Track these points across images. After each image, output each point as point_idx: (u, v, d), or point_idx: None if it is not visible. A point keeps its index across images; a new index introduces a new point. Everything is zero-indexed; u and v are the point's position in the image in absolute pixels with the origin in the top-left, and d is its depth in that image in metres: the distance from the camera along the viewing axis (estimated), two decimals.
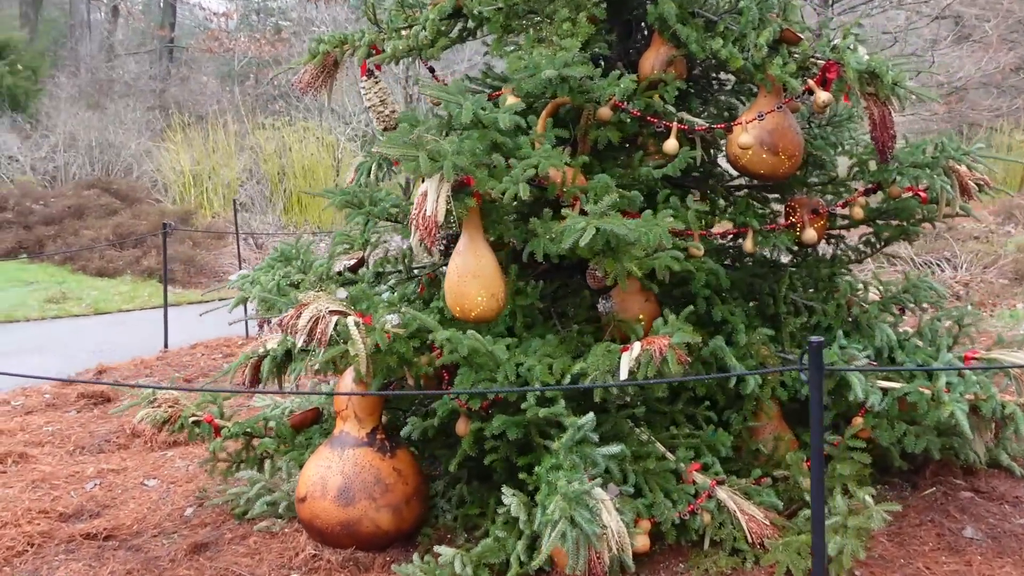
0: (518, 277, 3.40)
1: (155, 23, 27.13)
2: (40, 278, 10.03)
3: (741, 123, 3.38)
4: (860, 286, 4.04)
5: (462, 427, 3.22)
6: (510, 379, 2.97)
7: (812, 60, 3.33)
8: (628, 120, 3.42)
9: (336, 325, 2.94)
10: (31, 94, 20.85)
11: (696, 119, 3.59)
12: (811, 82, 3.28)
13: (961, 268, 8.68)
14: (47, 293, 9.10)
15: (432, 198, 2.76)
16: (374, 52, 3.47)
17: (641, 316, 3.51)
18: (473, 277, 3.00)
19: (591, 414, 2.88)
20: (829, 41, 3.17)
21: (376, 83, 3.52)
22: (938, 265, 8.79)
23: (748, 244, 3.59)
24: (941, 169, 3.69)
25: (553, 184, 3.16)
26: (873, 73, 3.11)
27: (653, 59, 3.64)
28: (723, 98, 4.02)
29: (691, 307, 3.29)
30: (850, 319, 3.76)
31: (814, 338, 2.56)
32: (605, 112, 3.38)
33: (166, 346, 7.34)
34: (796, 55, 3.34)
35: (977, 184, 3.93)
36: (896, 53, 16.97)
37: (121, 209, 12.35)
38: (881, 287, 4.52)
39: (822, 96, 3.26)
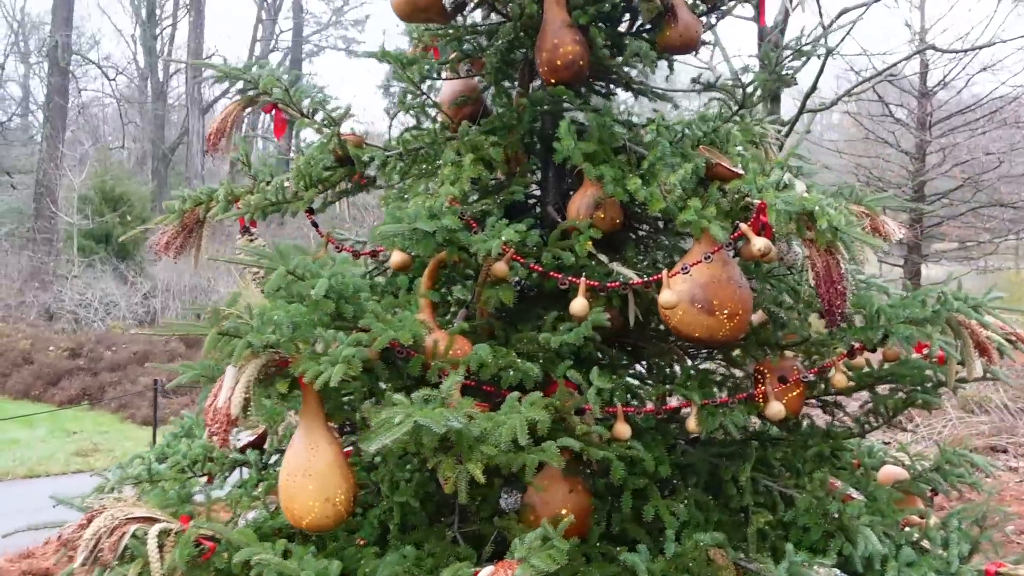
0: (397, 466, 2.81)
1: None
2: (86, 427, 9.99)
3: (662, 277, 2.76)
4: (857, 466, 3.25)
5: None
6: None
7: (748, 200, 2.71)
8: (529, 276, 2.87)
9: (135, 537, 2.41)
10: (138, 242, 22.01)
11: (628, 272, 2.99)
12: (744, 227, 2.65)
13: None
14: (79, 445, 8.99)
15: (228, 385, 2.25)
16: (236, 208, 3.08)
17: (565, 511, 2.85)
18: (304, 476, 2.43)
19: None
20: (756, 176, 2.56)
21: (251, 240, 3.10)
22: None
23: (691, 423, 2.90)
24: (944, 325, 2.96)
25: (416, 359, 2.60)
26: (811, 215, 2.46)
27: (579, 202, 3.10)
28: (678, 244, 3.42)
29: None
30: (835, 516, 2.96)
31: None
32: (500, 267, 2.83)
33: None
34: (729, 195, 2.73)
35: (1007, 339, 3.16)
36: (1002, 174, 15.86)
37: (184, 354, 12.41)
38: (909, 461, 3.70)
39: (757, 243, 2.62)
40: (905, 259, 15.42)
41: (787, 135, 8.80)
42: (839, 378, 3.04)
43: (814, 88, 8.28)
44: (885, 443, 4.03)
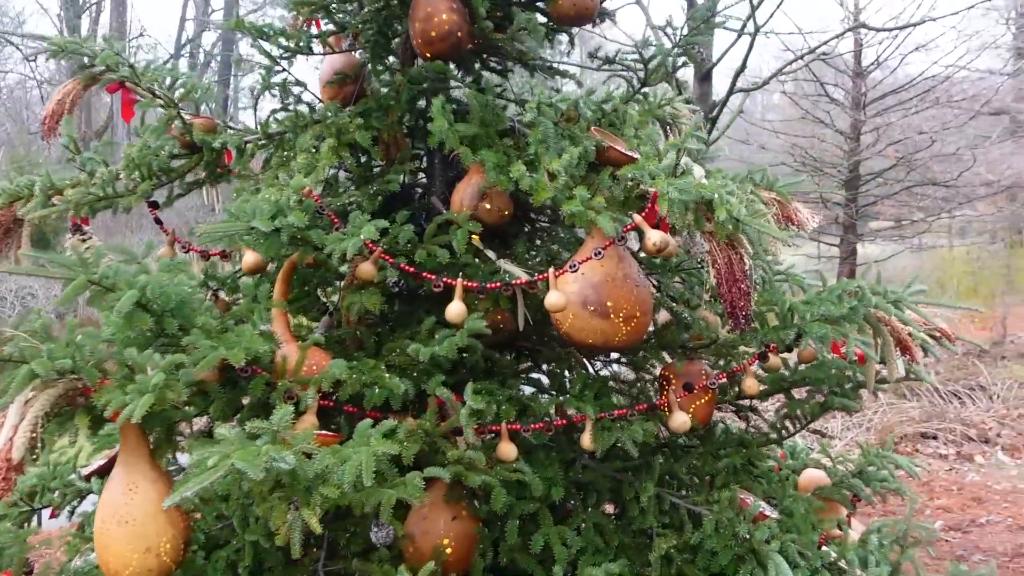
0: None
1: None
2: None
3: (549, 276, 2.43)
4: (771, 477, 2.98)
5: None
6: None
7: (643, 189, 2.39)
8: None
9: None
10: None
11: (517, 270, 2.66)
12: (638, 218, 2.33)
13: (997, 399, 7.36)
14: None
15: (10, 423, 1.86)
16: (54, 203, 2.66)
17: (446, 541, 2.53)
18: (119, 523, 2.06)
19: None
20: (648, 161, 2.24)
21: (84, 240, 2.69)
22: (969, 395, 7.48)
23: (585, 439, 2.58)
24: (862, 323, 2.70)
25: (259, 379, 2.24)
26: (709, 204, 2.15)
27: (463, 192, 2.75)
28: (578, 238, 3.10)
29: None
30: (745, 537, 2.67)
31: None
32: (365, 269, 2.47)
33: None
34: (622, 183, 2.40)
35: (931, 335, 2.91)
36: (935, 153, 15.95)
37: None
38: (831, 464, 3.46)
39: (652, 237, 2.30)
40: (841, 239, 15.41)
41: (717, 115, 8.56)
42: (750, 383, 2.75)
43: (743, 67, 8.04)
44: (819, 433, 3.79)
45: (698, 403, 2.75)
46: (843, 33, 9.36)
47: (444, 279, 2.47)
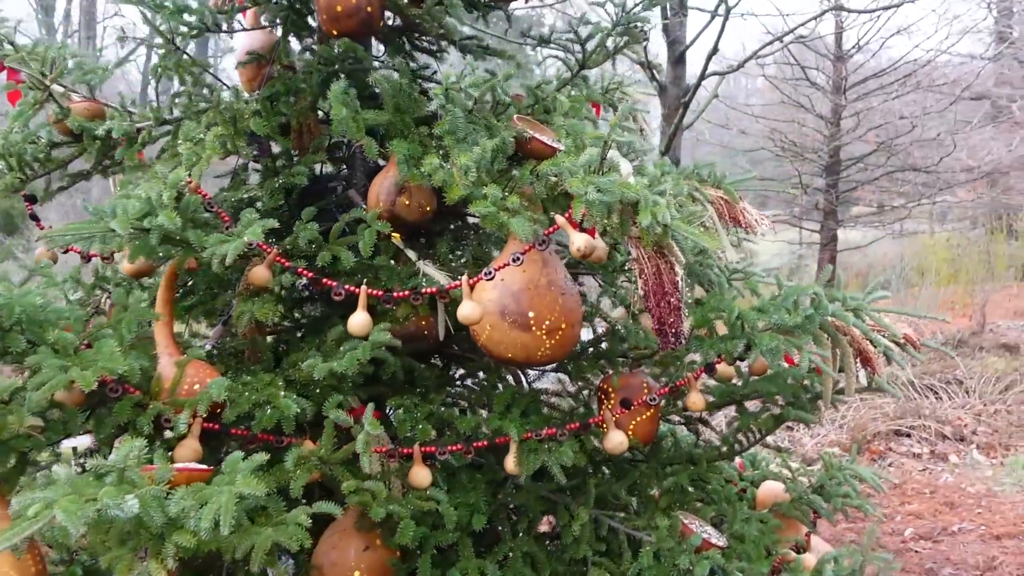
0: None
1: None
2: None
3: (462, 284, 2.16)
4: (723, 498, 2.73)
5: None
6: None
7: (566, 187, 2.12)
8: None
9: None
10: None
11: (437, 274, 2.39)
12: (560, 220, 2.06)
13: (974, 394, 7.16)
14: None
15: None
16: None
17: (358, 573, 2.28)
18: None
19: None
20: (567, 156, 1.96)
21: None
22: (945, 389, 7.27)
23: (509, 463, 2.33)
24: (820, 332, 2.45)
25: (125, 400, 1.97)
26: (635, 206, 1.88)
27: (379, 186, 2.48)
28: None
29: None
30: (687, 571, 2.42)
31: None
32: (258, 274, 2.19)
33: None
34: (542, 179, 2.13)
35: (894, 342, 2.67)
36: (916, 138, 15.77)
37: None
38: (792, 476, 3.23)
39: (575, 241, 2.03)
40: (822, 224, 15.23)
41: (690, 99, 8.28)
42: (695, 399, 2.50)
43: (715, 49, 7.75)
44: (778, 449, 3.54)
45: (639, 419, 2.50)
46: (821, 14, 9.08)
47: (346, 287, 2.20)
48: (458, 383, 2.93)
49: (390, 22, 2.91)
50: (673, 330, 1.92)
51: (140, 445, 1.63)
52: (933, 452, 5.98)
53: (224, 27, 2.78)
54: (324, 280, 2.20)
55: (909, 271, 19.15)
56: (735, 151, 17.46)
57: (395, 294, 2.19)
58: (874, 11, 9.57)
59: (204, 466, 1.81)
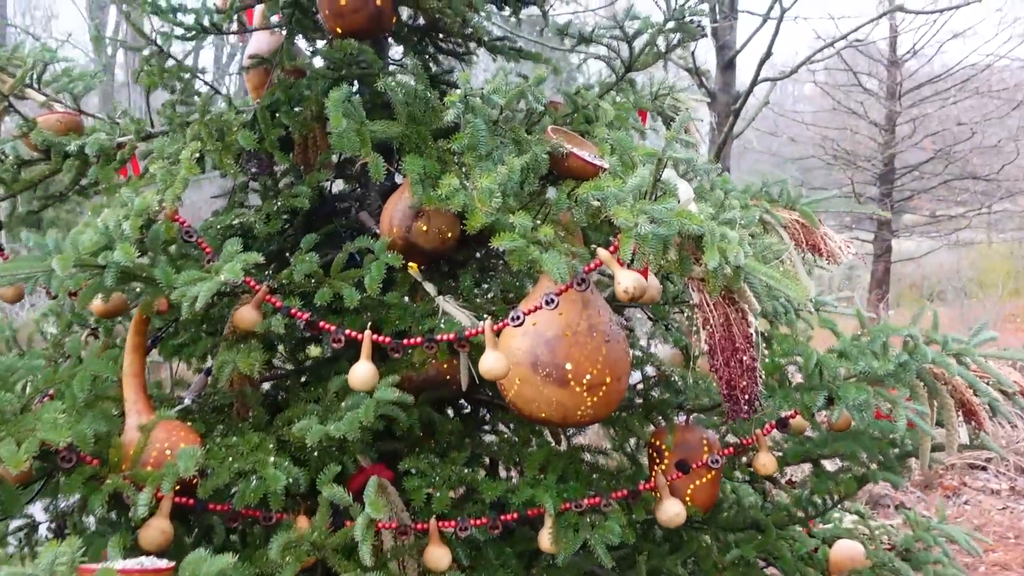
0: None
1: None
2: None
3: (485, 330, 1.79)
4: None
5: None
6: None
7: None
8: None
9: None
10: None
11: (459, 313, 2.02)
12: (604, 254, 1.67)
13: None
14: None
15: None
16: None
17: None
18: None
19: None
20: (611, 180, 1.58)
21: None
22: (1021, 416, 6.66)
23: (544, 540, 1.95)
24: (916, 382, 2.05)
25: (78, 472, 1.63)
26: (698, 241, 1.49)
27: (392, 209, 2.13)
28: None
29: None
30: None
31: None
32: (244, 315, 1.84)
33: None
34: (582, 205, 1.75)
35: (1002, 391, 2.27)
36: (975, 145, 15.11)
37: None
38: (869, 534, 2.80)
39: (622, 281, 1.64)
40: (875, 235, 14.65)
41: (741, 106, 7.83)
42: (765, 460, 2.11)
43: (769, 54, 7.30)
44: (859, 515, 3.07)
45: (697, 484, 2.12)
46: (879, 17, 8.58)
47: (347, 331, 1.84)
48: (487, 428, 2.57)
49: (410, 20, 2.57)
50: (746, 396, 1.53)
51: (73, 549, 1.28)
52: (1013, 489, 5.46)
53: (225, 28, 2.47)
54: (321, 323, 1.84)
55: (967, 282, 18.37)
56: (784, 159, 16.94)
57: (404, 341, 1.82)
58: (937, 12, 9.03)
59: (163, 563, 1.46)
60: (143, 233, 1.69)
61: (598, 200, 1.60)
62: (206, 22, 2.40)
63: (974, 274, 19.27)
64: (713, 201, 1.68)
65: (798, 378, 2.15)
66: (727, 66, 8.44)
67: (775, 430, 2.11)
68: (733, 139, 8.46)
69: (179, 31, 2.37)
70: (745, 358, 1.50)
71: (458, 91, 1.70)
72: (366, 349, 1.82)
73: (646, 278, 1.65)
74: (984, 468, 5.74)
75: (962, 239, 19.28)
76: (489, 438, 2.49)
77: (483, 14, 2.16)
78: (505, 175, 1.65)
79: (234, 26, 2.53)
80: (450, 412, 2.47)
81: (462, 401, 2.51)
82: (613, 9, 7.39)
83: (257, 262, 1.71)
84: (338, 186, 2.64)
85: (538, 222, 1.70)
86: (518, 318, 1.75)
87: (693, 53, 7.90)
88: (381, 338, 1.83)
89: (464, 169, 1.89)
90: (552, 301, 1.72)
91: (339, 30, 2.04)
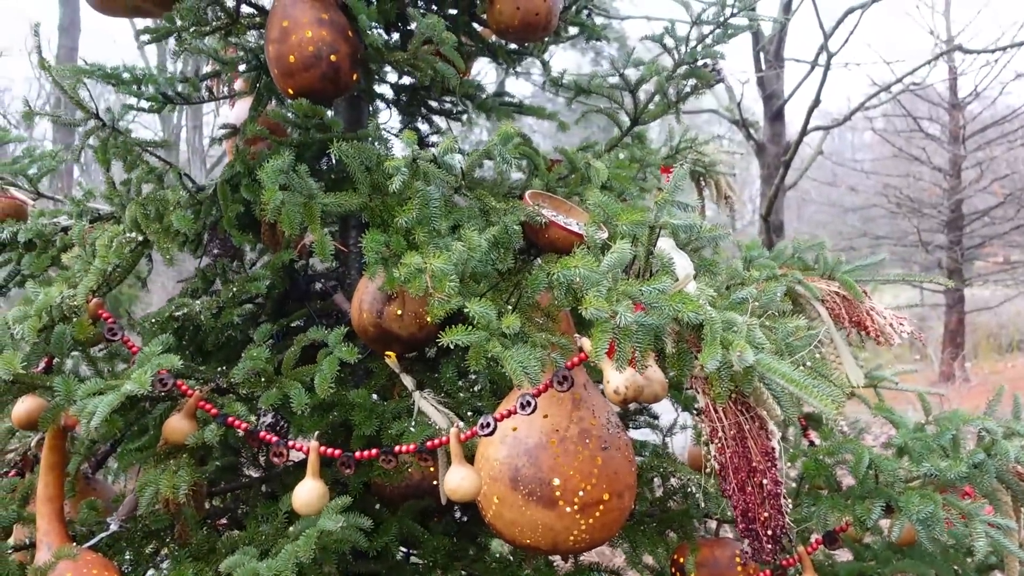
0: None
1: None
2: None
3: (451, 439, 1.47)
4: None
5: None
6: None
7: None
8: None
9: None
10: None
11: (436, 413, 1.71)
12: (587, 345, 1.35)
13: None
14: None
15: None
16: None
17: None
18: None
19: None
20: (579, 260, 1.27)
21: None
22: None
23: None
24: (996, 486, 1.67)
25: None
26: (698, 331, 1.16)
27: (362, 293, 1.84)
28: None
29: None
30: None
31: None
32: (174, 426, 1.56)
33: None
34: (559, 287, 1.43)
35: None
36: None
37: None
38: None
39: (613, 381, 1.32)
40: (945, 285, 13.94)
41: (791, 157, 7.47)
42: None
43: (817, 101, 6.94)
44: None
45: None
46: (936, 58, 8.17)
47: (292, 443, 1.54)
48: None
49: (394, 79, 2.32)
50: (769, 531, 1.17)
51: None
52: None
53: (198, 97, 2.25)
54: (262, 434, 1.54)
55: None
56: (845, 209, 16.40)
57: (356, 454, 1.51)
58: (995, 51, 8.59)
59: None
60: (42, 332, 1.43)
61: (568, 280, 1.29)
62: (170, 92, 2.18)
63: None
64: (725, 274, 1.35)
65: (848, 480, 1.78)
66: (775, 116, 8.10)
67: (823, 546, 1.74)
68: (786, 191, 8.07)
69: (143, 103, 2.16)
70: (766, 481, 1.16)
71: (403, 155, 1.42)
72: (312, 465, 1.52)
73: (642, 375, 1.32)
74: None
75: None
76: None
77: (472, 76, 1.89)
78: (463, 253, 1.34)
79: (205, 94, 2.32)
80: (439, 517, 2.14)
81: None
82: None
83: (175, 365, 1.43)
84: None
85: (508, 307, 1.39)
86: (488, 425, 1.43)
87: (739, 105, 7.60)
88: (328, 451, 1.52)
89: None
90: (529, 404, 1.39)
91: (290, 91, 1.79)
